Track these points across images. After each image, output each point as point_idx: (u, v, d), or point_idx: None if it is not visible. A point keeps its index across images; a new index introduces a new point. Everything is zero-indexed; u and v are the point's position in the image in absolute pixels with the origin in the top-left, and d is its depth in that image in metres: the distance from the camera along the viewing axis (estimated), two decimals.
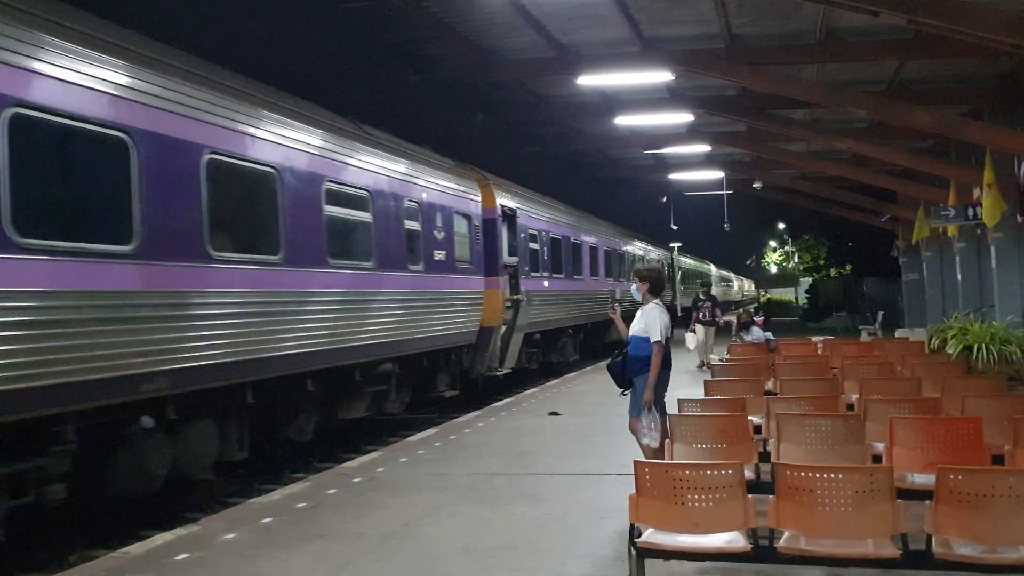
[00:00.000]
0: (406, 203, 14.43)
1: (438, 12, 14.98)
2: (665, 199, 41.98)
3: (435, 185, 15.82)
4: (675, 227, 44.59)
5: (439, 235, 15.72)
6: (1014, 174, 16.72)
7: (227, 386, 9.90)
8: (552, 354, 23.66)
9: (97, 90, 8.13)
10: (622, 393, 8.88)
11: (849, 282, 57.18)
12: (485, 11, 14.86)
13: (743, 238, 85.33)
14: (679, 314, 36.10)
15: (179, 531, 8.12)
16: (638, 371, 8.59)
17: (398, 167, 14.38)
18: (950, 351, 15.17)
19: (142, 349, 8.42)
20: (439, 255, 15.65)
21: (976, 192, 18.65)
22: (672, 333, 8.81)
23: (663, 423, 8.54)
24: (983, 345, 14.69)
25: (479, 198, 18.05)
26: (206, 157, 9.52)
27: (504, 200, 19.22)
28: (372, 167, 13.38)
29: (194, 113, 9.38)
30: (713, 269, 70.76)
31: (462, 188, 17.24)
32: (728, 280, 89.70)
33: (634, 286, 9.09)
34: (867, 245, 48.18)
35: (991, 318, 17.11)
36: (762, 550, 5.15)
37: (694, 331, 21.32)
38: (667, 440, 8.28)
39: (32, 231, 7.28)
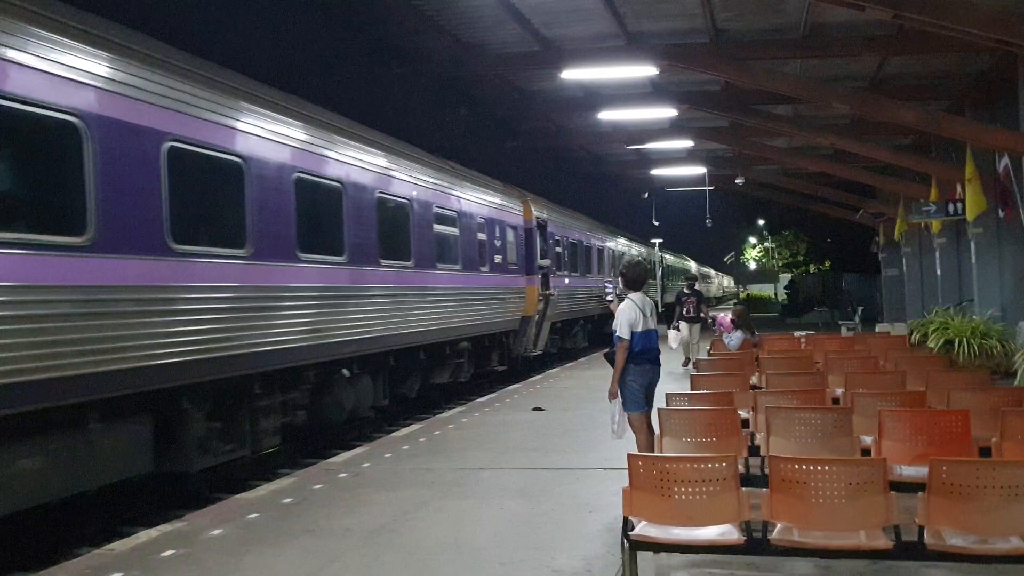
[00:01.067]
0: (478, 220, 18.48)
1: (421, 5, 14.97)
2: (647, 195, 42.03)
3: (494, 204, 19.80)
4: (657, 223, 44.65)
5: (498, 243, 19.69)
6: (995, 170, 16.81)
7: (382, 352, 13.99)
8: (567, 341, 26.67)
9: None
10: None
11: (828, 278, 57.46)
12: (469, 4, 14.88)
13: (723, 234, 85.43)
14: (660, 310, 36.21)
15: (164, 527, 8.03)
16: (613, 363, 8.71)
17: (475, 194, 18.56)
18: (931, 345, 15.25)
19: (348, 323, 12.46)
20: (498, 259, 19.61)
21: (957, 188, 18.76)
22: (649, 327, 8.76)
23: (636, 418, 8.52)
24: (964, 339, 14.78)
25: (520, 212, 21.83)
26: (414, 202, 15.07)
27: (537, 212, 22.86)
28: (463, 197, 17.75)
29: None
30: (693, 265, 70.95)
31: (510, 205, 21.11)
32: (708, 276, 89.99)
33: (619, 281, 9.26)
34: (846, 241, 48.53)
35: (971, 312, 17.21)
36: (755, 542, 5.13)
37: (677, 328, 20.13)
38: (647, 433, 8.36)
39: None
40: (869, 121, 22.53)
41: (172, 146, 9.06)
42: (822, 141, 24.25)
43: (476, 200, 18.50)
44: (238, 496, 9.40)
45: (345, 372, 12.83)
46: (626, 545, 5.37)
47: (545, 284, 22.78)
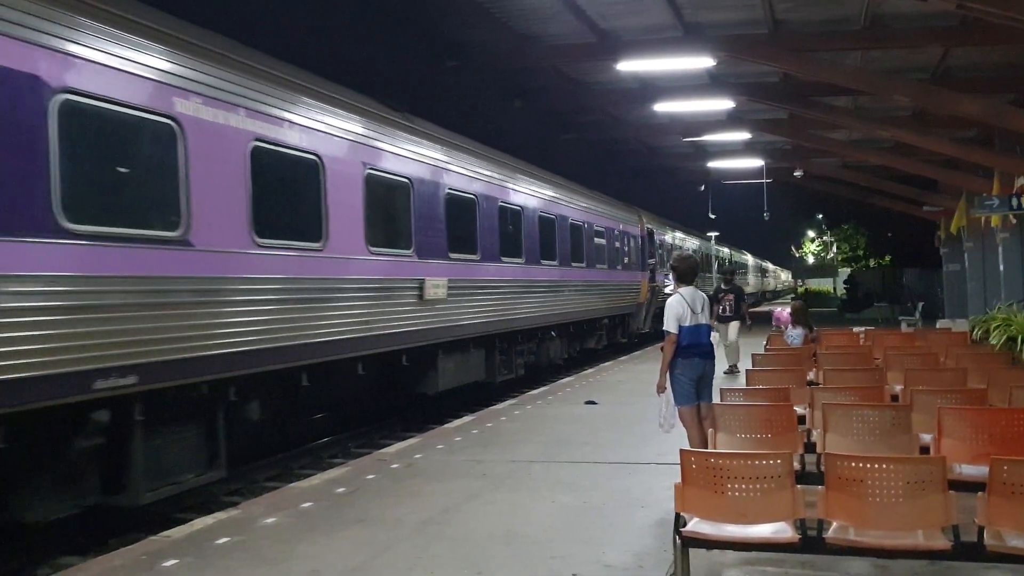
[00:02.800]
0: (616, 232, 25.85)
1: None
2: (703, 188, 41.66)
3: (623, 221, 27.07)
4: (713, 216, 44.27)
5: (626, 248, 26.94)
6: None
7: (564, 324, 20.84)
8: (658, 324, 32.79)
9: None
10: None
11: (888, 273, 56.54)
12: None
13: (781, 228, 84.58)
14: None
15: (219, 515, 8.14)
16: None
17: (613, 213, 25.85)
18: (993, 342, 14.93)
19: (558, 303, 20.00)
20: (625, 260, 26.80)
21: (1020, 181, 18.34)
22: (698, 321, 8.66)
23: (697, 412, 8.45)
24: None
25: (637, 223, 28.70)
26: (584, 224, 22.55)
27: (648, 224, 30.06)
28: (606, 215, 24.90)
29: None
30: (750, 259, 70.27)
31: (630, 219, 28.09)
32: (765, 270, 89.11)
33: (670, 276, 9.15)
34: (907, 235, 47.57)
35: None
36: (810, 541, 5.05)
37: (713, 328, 18.89)
38: (699, 428, 8.31)
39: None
40: (931, 113, 22.10)
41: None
42: (883, 134, 23.82)
43: (613, 217, 25.72)
44: (292, 485, 9.49)
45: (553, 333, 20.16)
46: (678, 542, 5.32)
47: (652, 278, 29.29)
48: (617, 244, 25.72)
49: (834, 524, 5.14)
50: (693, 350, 8.55)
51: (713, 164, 32.70)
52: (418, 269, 12.93)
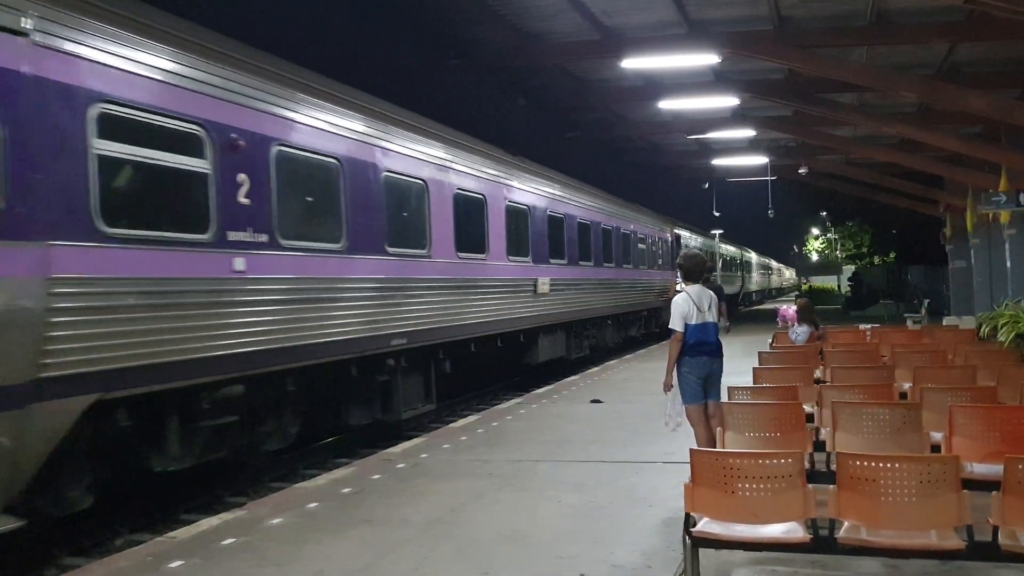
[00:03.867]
0: (654, 238, 30.95)
1: None
2: (707, 185, 41.56)
3: (658, 228, 32.03)
4: (717, 214, 44.19)
5: (659, 251, 31.75)
6: None
7: (614, 315, 25.23)
8: None
9: None
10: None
11: (893, 270, 56.40)
12: None
13: (785, 225, 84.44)
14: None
15: (225, 516, 8.11)
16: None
17: (652, 223, 31.03)
18: (1001, 339, 14.84)
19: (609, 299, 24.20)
20: (659, 261, 31.52)
21: None
22: (704, 320, 8.62)
23: (704, 410, 8.45)
24: None
25: (668, 229, 33.73)
26: (634, 232, 27.86)
27: (676, 230, 35.01)
28: (649, 226, 30.32)
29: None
30: (754, 256, 70.17)
31: (664, 226, 33.06)
32: (768, 267, 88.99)
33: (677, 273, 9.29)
34: (912, 232, 47.45)
35: None
36: (822, 541, 5.00)
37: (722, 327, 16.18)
38: (706, 426, 8.28)
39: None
40: (936, 109, 22.01)
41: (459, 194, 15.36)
42: (888, 130, 23.73)
43: (651, 225, 30.77)
44: (298, 485, 9.46)
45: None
46: (688, 542, 5.26)
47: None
48: (654, 248, 30.84)
49: (845, 524, 5.08)
50: (700, 348, 8.53)
51: (717, 161, 32.59)
52: (532, 271, 17.93)
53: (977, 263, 28.25)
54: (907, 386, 9.84)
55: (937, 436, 7.03)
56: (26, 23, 6.68)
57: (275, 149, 9.59)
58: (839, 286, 75.18)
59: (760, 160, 31.43)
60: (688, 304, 8.54)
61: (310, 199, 10.63)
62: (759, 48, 16.38)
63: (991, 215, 21.72)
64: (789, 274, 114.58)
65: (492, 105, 25.15)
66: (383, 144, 12.04)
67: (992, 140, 23.00)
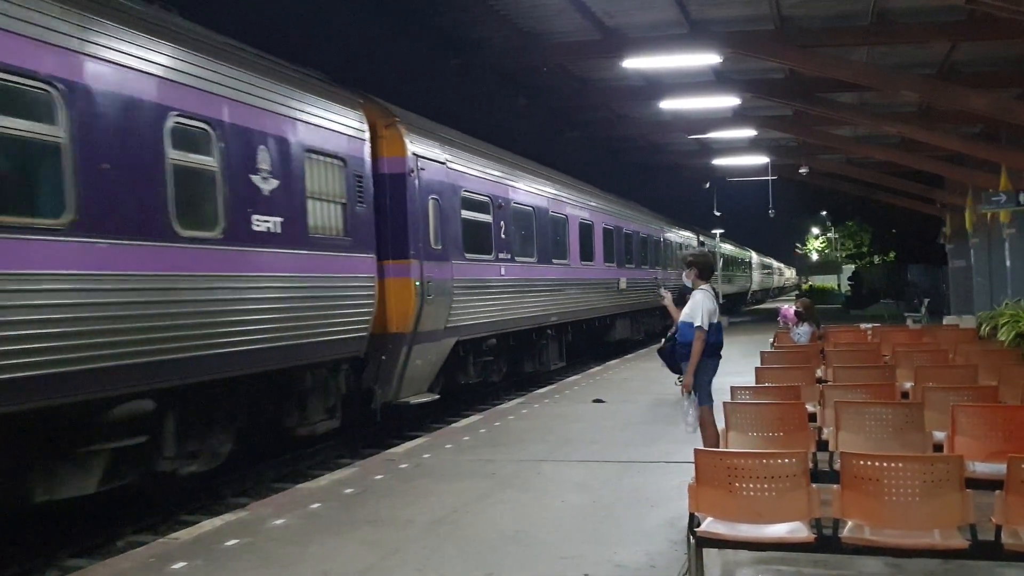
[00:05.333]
0: (683, 245, 35.86)
1: None
2: (708, 185, 41.58)
3: (687, 234, 37.86)
4: (718, 214, 44.20)
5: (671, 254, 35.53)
6: None
7: (632, 312, 27.86)
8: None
9: None
10: (678, 380, 8.79)
11: (893, 269, 56.38)
12: None
13: (786, 225, 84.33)
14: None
15: (227, 517, 8.10)
16: (684, 356, 8.58)
17: (681, 231, 37.01)
18: (1002, 338, 14.86)
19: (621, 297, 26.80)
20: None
21: None
22: (718, 319, 8.69)
23: (707, 411, 8.47)
24: None
25: (694, 235, 39.55)
26: (668, 241, 34.74)
27: (699, 236, 41.00)
28: (679, 232, 36.36)
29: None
30: (754, 256, 70.14)
31: (690, 234, 38.91)
32: (769, 267, 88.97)
33: (684, 272, 9.13)
34: (912, 231, 47.41)
35: None
36: (826, 540, 5.01)
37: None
38: (715, 427, 8.25)
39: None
40: (937, 109, 22.03)
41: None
42: (888, 129, 23.75)
43: (681, 233, 36.74)
44: (301, 486, 9.46)
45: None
46: (692, 542, 5.27)
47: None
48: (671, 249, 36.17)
49: (849, 523, 5.09)
50: (716, 348, 8.55)
51: (718, 161, 32.61)
52: (617, 273, 25.01)
53: (977, 262, 28.28)
54: (909, 385, 9.85)
55: (939, 435, 7.05)
56: (445, 156, 14.02)
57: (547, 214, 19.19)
58: (839, 285, 75.14)
59: (761, 160, 31.45)
60: (712, 301, 8.55)
61: (523, 232, 17.74)
62: (760, 48, 16.40)
63: (991, 215, 21.73)
64: (790, 273, 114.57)
65: (493, 105, 25.08)
66: (572, 205, 21.19)
67: (992, 139, 23.04)
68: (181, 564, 6.60)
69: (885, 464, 5.05)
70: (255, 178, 9.44)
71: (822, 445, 7.35)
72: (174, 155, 8.33)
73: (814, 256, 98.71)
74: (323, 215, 10.76)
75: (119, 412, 7.77)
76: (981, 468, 6.33)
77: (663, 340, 9.07)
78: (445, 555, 6.60)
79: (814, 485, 5.24)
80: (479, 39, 17.31)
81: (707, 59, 17.32)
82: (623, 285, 25.23)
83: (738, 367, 12.64)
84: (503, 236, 16.28)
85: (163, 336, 8.04)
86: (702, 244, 38.98)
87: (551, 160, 21.74)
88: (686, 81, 20.34)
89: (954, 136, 22.42)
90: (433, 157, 13.48)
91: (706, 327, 8.41)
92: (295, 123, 10.24)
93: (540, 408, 14.26)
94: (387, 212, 12.30)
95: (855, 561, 5.71)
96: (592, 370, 20.38)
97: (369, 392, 12.25)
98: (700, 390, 8.45)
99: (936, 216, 35.52)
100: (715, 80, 20.47)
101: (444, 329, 13.53)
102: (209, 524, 7.80)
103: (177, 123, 8.41)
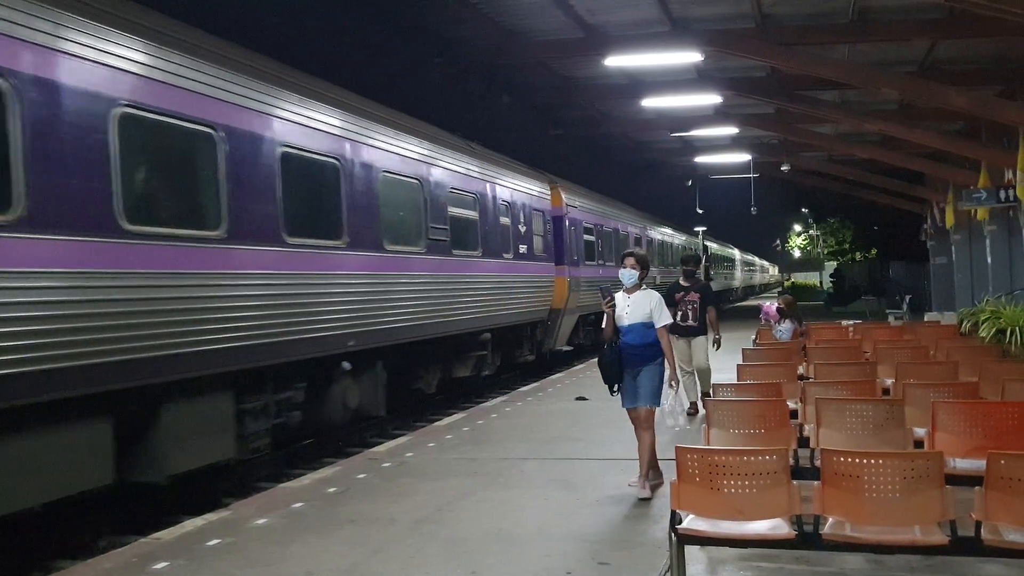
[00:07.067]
0: (684, 244, 42.52)
1: None
2: (691, 183, 41.68)
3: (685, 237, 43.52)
4: (701, 211, 44.32)
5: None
6: None
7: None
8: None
9: None
10: (613, 391, 8.43)
11: (875, 266, 56.64)
12: None
13: (768, 222, 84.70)
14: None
15: (210, 516, 8.07)
16: (649, 357, 8.20)
17: (691, 239, 45.01)
18: (983, 335, 14.96)
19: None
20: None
21: (1008, 174, 18.37)
22: None
23: (652, 414, 8.26)
24: (1017, 328, 14.48)
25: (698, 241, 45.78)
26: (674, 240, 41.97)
27: (705, 240, 48.62)
28: (679, 237, 42.05)
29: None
30: (737, 253, 70.40)
31: (696, 240, 45.48)
32: (752, 264, 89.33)
33: (627, 271, 8.47)
34: (893, 228, 47.67)
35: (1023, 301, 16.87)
36: (807, 536, 5.02)
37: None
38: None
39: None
40: (917, 107, 22.16)
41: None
42: (870, 127, 23.85)
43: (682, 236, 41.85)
44: (283, 485, 9.44)
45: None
46: (674, 539, 5.29)
47: (707, 275, 38.05)
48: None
49: (830, 520, 5.11)
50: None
51: (701, 159, 32.70)
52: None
53: (958, 259, 28.46)
54: (889, 382, 9.88)
55: (920, 432, 7.08)
56: (576, 203, 23.49)
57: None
58: (821, 282, 75.52)
59: (743, 157, 31.57)
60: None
61: (605, 244, 25.94)
62: (742, 46, 16.44)
63: (971, 211, 21.88)
64: (772, 271, 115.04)
65: (475, 103, 25.05)
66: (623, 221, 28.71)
67: (973, 137, 23.18)
68: (164, 564, 6.58)
69: (866, 461, 5.07)
70: (520, 225, 18.86)
71: (803, 442, 7.36)
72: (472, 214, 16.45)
73: (796, 253, 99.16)
74: (537, 242, 19.86)
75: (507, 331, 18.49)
76: (961, 464, 6.37)
77: (604, 351, 8.39)
78: (429, 554, 6.60)
79: (795, 482, 5.25)
80: (461, 37, 17.26)
81: (689, 57, 17.33)
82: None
83: (720, 364, 12.70)
84: (599, 250, 25.24)
85: (502, 303, 17.55)
86: (705, 248, 42.98)
87: (534, 160, 21.91)
88: (668, 79, 20.37)
89: (934, 133, 22.53)
90: (571, 204, 22.65)
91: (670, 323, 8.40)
92: (530, 195, 19.93)
93: (523, 406, 14.27)
94: (555, 238, 21.27)
95: (836, 557, 5.74)
96: (576, 367, 20.40)
97: (541, 342, 20.67)
98: (655, 389, 8.17)
99: (918, 213, 35.72)
100: (697, 78, 20.50)
101: (576, 307, 22.19)
102: (191, 524, 7.77)
103: (456, 194, 15.67)
